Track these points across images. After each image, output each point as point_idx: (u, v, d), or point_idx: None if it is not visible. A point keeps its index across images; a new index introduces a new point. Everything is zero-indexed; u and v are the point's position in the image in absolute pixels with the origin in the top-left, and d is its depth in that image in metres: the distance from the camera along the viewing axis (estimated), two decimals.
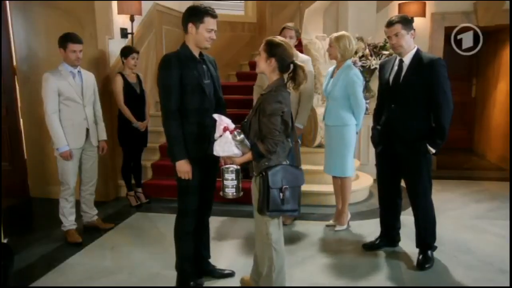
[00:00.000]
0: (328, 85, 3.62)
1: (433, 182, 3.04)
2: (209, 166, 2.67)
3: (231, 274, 2.94)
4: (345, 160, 3.62)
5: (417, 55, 2.89)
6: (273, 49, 2.36)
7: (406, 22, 2.90)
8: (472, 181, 5.34)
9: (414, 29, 2.95)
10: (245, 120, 2.50)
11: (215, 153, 2.38)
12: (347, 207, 3.78)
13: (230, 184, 2.45)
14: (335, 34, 3.55)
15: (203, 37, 2.51)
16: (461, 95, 6.99)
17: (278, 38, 2.41)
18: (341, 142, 3.57)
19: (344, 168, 3.63)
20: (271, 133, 2.29)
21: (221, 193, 2.51)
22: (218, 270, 2.96)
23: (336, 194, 3.83)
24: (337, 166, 3.63)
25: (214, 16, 2.52)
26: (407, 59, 2.92)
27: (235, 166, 2.44)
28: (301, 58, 3.60)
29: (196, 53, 2.57)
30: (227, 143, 2.33)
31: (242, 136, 2.34)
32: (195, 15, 2.50)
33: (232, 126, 2.39)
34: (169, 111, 2.50)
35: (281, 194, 2.32)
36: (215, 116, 2.39)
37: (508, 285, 2.82)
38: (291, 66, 2.38)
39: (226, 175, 2.45)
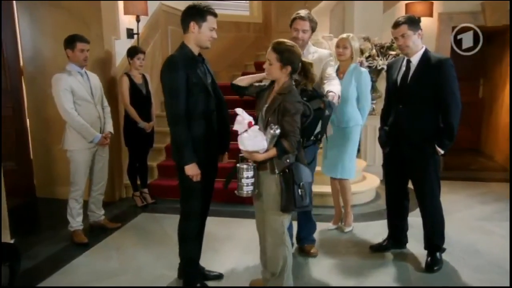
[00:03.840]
0: None
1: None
2: (211, 168, 2.65)
3: (219, 277, 2.92)
4: (351, 161, 3.60)
5: (425, 55, 2.87)
6: (284, 57, 2.34)
7: (413, 22, 2.87)
8: (478, 182, 5.29)
9: (421, 29, 2.92)
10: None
11: (242, 147, 2.31)
12: (350, 207, 3.77)
13: (249, 182, 2.38)
14: (347, 35, 3.51)
15: (205, 36, 2.47)
16: (468, 96, 6.90)
17: (285, 43, 2.38)
18: (350, 142, 3.54)
19: (349, 170, 3.60)
20: (294, 132, 2.29)
21: (236, 192, 2.44)
22: (207, 271, 2.93)
23: (335, 196, 3.80)
24: (341, 167, 3.58)
25: (215, 14, 2.50)
26: (414, 60, 2.89)
27: (253, 164, 2.38)
28: (318, 52, 3.15)
29: (196, 53, 2.52)
30: (257, 137, 2.27)
31: (279, 130, 2.26)
32: (197, 14, 2.45)
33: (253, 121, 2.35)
34: (178, 116, 2.42)
35: (299, 191, 2.32)
36: (238, 110, 2.31)
37: (508, 285, 2.80)
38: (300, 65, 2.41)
39: (245, 173, 2.36)
